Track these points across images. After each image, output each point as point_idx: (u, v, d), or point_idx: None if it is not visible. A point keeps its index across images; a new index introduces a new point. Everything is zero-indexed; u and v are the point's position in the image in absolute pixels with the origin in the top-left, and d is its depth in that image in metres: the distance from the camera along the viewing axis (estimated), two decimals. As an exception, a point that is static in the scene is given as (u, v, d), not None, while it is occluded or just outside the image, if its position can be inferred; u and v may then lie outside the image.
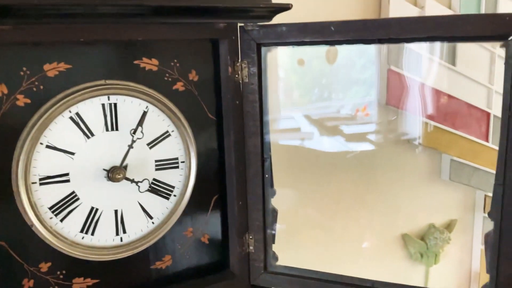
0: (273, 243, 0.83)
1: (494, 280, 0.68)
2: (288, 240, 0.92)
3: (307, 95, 1.28)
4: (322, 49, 1.21)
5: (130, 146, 0.71)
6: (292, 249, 0.94)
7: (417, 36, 0.66)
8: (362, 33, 0.69)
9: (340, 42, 0.71)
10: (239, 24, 0.75)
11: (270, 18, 0.73)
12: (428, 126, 1.42)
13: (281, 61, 1.13)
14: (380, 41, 0.69)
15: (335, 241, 1.24)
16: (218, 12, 0.70)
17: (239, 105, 0.78)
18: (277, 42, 0.74)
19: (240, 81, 0.77)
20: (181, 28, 0.71)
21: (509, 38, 0.61)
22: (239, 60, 0.76)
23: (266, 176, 0.80)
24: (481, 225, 1.61)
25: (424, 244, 1.47)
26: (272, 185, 0.81)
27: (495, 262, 0.67)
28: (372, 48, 1.27)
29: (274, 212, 0.83)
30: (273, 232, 0.83)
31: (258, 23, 0.74)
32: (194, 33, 0.73)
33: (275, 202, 0.83)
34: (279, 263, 0.84)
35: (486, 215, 0.84)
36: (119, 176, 0.70)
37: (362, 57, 1.31)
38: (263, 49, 0.76)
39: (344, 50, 1.23)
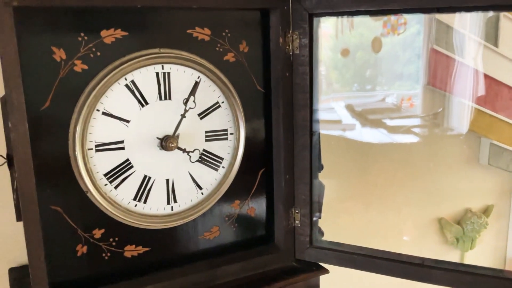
0: (319, 218, 0.83)
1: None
2: (331, 216, 0.92)
3: (350, 85, 1.27)
4: (367, 38, 1.20)
5: (183, 116, 0.71)
6: (334, 226, 0.93)
7: (480, 4, 0.64)
8: (420, 1, 0.67)
9: (396, 11, 0.70)
10: (291, -6, 0.74)
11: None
12: (468, 108, 1.40)
13: (324, 55, 1.12)
14: (438, 10, 0.68)
15: (373, 224, 1.23)
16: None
17: (289, 77, 0.77)
18: (330, 12, 0.73)
19: (291, 53, 0.76)
20: (234, -3, 0.70)
21: None
22: (290, 31, 0.75)
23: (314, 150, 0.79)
24: (518, 211, 1.58)
25: (460, 228, 1.44)
26: (320, 159, 0.80)
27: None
28: (418, 34, 1.24)
29: (321, 186, 0.82)
30: (319, 206, 0.83)
31: (311, -7, 0.73)
32: (246, 2, 0.72)
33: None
34: (324, 238, 0.83)
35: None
36: (172, 145, 0.70)
37: (406, 46, 1.29)
38: (315, 19, 0.75)
39: (388, 39, 1.22)
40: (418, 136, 1.37)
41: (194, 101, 0.72)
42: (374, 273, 0.79)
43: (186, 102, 0.72)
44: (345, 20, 1.11)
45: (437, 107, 1.35)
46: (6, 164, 0.69)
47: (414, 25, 1.26)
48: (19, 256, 0.85)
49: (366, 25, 1.22)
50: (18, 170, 0.59)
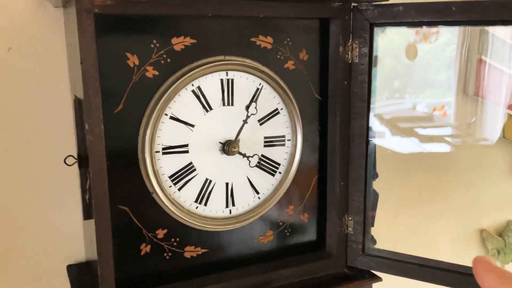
0: (372, 226, 0.83)
1: None
2: (381, 224, 0.92)
3: (379, 92, 1.27)
4: (402, 45, 1.19)
5: (245, 121, 0.73)
6: (383, 234, 0.93)
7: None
8: (485, 13, 0.68)
9: (460, 23, 0.70)
10: (352, 4, 0.75)
11: (388, -3, 0.72)
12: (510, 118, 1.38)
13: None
14: (503, 22, 0.68)
15: (419, 233, 1.23)
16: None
17: (347, 85, 0.78)
18: (392, 22, 0.74)
19: (350, 61, 0.77)
20: (298, 6, 0.72)
21: None
22: (350, 40, 0.76)
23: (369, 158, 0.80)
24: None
25: (502, 240, 1.42)
26: (375, 167, 0.81)
27: None
28: (453, 44, 1.24)
29: (375, 195, 0.82)
30: (372, 215, 0.83)
31: (373, 3, 0.74)
32: (309, 12, 0.73)
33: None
34: (376, 246, 0.84)
35: None
36: (234, 150, 0.72)
37: (439, 55, 1.28)
38: (375, 29, 0.76)
39: (422, 47, 1.21)
40: (453, 145, 1.36)
41: (255, 108, 0.74)
42: (425, 282, 0.79)
43: (248, 108, 0.73)
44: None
45: (470, 116, 1.34)
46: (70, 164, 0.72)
47: (445, 33, 1.26)
48: (77, 253, 0.88)
49: (398, 32, 1.22)
50: (93, 171, 0.62)
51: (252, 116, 0.74)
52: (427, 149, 1.31)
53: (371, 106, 0.78)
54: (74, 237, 0.87)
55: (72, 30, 0.68)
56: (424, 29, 1.20)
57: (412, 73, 1.28)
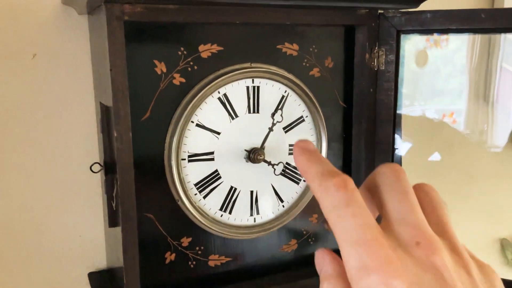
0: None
1: None
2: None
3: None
4: (409, 52, 1.18)
5: (271, 129, 0.73)
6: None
7: None
8: (515, 21, 0.67)
9: (487, 30, 0.69)
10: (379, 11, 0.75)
11: (417, 5, 0.72)
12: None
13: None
14: (534, 29, 0.67)
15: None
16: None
17: (373, 93, 0.77)
18: (419, 29, 0.73)
19: (376, 69, 0.76)
20: (324, 13, 0.71)
21: None
22: (376, 47, 0.76)
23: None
24: None
25: (522, 250, 1.40)
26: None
27: None
28: (461, 50, 1.23)
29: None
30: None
31: (400, 10, 0.74)
32: (336, 19, 0.73)
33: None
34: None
35: None
36: (260, 158, 0.71)
37: (449, 61, 1.27)
38: (402, 36, 0.75)
39: (433, 52, 1.20)
40: (467, 153, 1.34)
41: (281, 115, 0.73)
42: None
43: (273, 115, 0.73)
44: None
45: (481, 123, 1.32)
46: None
47: (454, 40, 1.25)
48: (98, 260, 0.88)
49: (409, 38, 1.21)
50: (121, 178, 0.61)
51: (277, 123, 0.73)
52: (440, 157, 1.30)
53: (397, 113, 0.77)
54: (95, 244, 0.86)
55: (99, 37, 0.68)
56: (435, 35, 1.19)
57: (421, 80, 1.27)
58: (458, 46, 1.27)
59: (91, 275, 0.86)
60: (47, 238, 0.83)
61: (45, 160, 0.81)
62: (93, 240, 0.86)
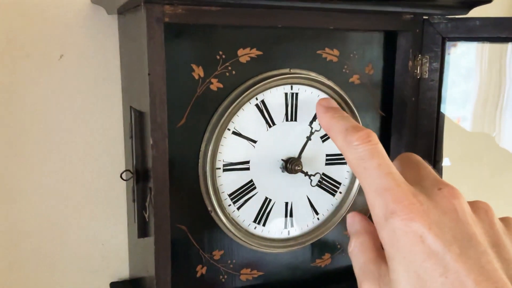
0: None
1: None
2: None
3: None
4: None
5: (309, 138, 0.69)
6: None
7: None
8: None
9: (542, 39, 0.66)
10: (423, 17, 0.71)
11: (467, 11, 0.68)
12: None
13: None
14: None
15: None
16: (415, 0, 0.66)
17: (415, 102, 0.74)
18: (466, 37, 0.69)
19: (418, 77, 0.73)
20: (368, 18, 0.68)
21: None
22: (420, 55, 0.72)
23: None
24: None
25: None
26: (440, 189, 0.76)
27: None
28: (468, 55, 1.20)
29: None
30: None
31: (446, 16, 0.70)
32: (379, 24, 0.69)
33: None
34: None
35: None
36: (298, 168, 0.68)
37: (455, 67, 1.24)
38: (447, 43, 0.71)
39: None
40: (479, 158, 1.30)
41: (319, 124, 0.70)
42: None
43: (311, 124, 0.69)
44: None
45: (490, 129, 1.29)
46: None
47: (460, 46, 1.21)
48: (120, 270, 0.84)
49: None
50: (155, 188, 0.58)
51: (315, 132, 0.70)
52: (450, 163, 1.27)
53: (439, 124, 0.74)
54: (118, 253, 0.83)
55: (133, 39, 0.65)
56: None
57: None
58: (466, 52, 1.24)
59: (113, 285, 0.83)
60: (69, 246, 0.80)
61: (69, 165, 0.78)
62: (116, 249, 0.83)
